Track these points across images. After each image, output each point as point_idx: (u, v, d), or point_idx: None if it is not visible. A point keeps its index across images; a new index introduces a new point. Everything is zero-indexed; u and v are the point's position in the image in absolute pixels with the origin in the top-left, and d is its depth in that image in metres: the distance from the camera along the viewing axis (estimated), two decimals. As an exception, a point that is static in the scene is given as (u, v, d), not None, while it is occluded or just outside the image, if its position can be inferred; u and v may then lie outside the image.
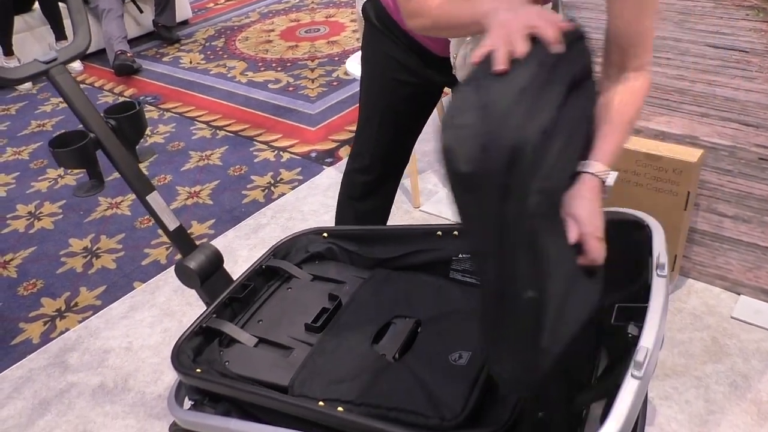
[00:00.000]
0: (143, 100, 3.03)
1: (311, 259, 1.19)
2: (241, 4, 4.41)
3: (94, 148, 1.02)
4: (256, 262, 1.16)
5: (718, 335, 1.42)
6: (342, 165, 2.25)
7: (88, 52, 3.58)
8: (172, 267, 1.66)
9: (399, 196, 1.92)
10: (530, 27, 0.66)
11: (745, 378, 1.32)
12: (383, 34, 1.08)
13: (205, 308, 1.08)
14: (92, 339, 1.63)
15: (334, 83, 3.01)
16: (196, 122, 2.78)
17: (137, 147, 1.14)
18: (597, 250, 0.74)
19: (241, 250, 1.90)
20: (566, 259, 0.71)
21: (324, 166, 2.32)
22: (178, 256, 1.14)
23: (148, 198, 1.07)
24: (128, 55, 3.36)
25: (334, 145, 2.47)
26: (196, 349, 1.02)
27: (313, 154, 2.42)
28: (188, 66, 3.43)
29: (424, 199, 2.05)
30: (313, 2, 4.27)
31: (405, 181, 2.06)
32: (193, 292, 1.16)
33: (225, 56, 3.51)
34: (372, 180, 1.35)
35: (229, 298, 1.08)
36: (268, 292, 1.13)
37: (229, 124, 2.72)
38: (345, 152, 2.40)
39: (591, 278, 0.75)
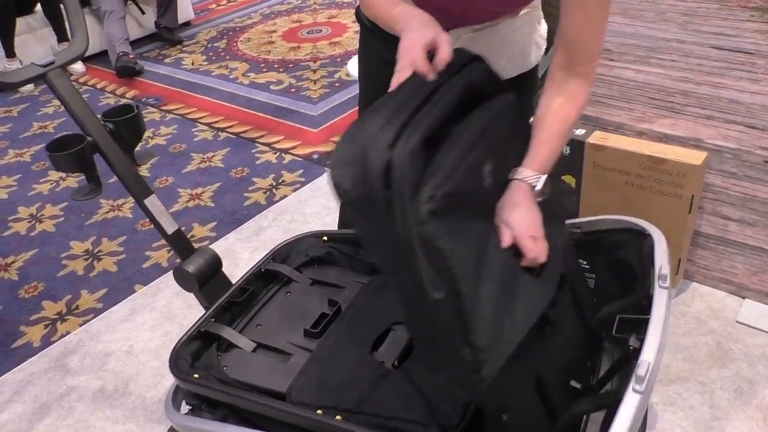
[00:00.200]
0: (145, 102, 3.04)
1: (311, 263, 1.18)
2: (243, 5, 4.41)
3: (91, 152, 1.01)
4: (255, 265, 1.15)
5: (722, 340, 1.41)
6: (343, 167, 2.24)
7: (91, 53, 3.61)
8: (173, 270, 1.66)
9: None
10: (428, 47, 0.76)
11: (750, 384, 1.30)
12: (375, 36, 1.10)
13: (204, 312, 1.07)
14: (93, 342, 1.63)
15: (337, 84, 3.00)
16: (197, 124, 2.78)
17: (136, 150, 1.14)
18: (532, 250, 0.78)
19: (242, 253, 1.89)
20: (498, 261, 0.75)
21: (326, 168, 2.31)
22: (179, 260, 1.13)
23: (146, 201, 1.07)
24: (130, 56, 3.37)
25: (335, 146, 2.46)
26: (194, 354, 1.01)
27: (315, 156, 2.41)
28: (190, 67, 3.43)
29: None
30: (315, 3, 4.27)
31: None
32: (193, 295, 1.15)
33: (227, 57, 3.50)
34: None
35: (228, 302, 1.08)
36: (267, 296, 1.13)
37: (231, 126, 2.72)
38: (347, 154, 2.38)
39: (539, 277, 0.79)
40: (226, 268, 1.19)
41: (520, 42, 1.03)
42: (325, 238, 1.19)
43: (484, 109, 0.80)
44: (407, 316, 0.75)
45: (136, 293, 1.78)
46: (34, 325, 1.71)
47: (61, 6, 3.35)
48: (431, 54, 0.77)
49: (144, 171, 2.41)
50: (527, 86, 1.10)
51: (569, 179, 1.48)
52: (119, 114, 1.09)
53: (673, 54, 1.39)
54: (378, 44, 1.10)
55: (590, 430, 0.82)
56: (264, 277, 1.15)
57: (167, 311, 1.70)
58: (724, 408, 1.26)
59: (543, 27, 1.08)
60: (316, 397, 0.88)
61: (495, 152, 0.80)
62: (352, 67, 2.01)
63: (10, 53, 3.27)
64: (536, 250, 0.78)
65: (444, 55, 0.76)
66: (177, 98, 3.06)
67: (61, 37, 3.43)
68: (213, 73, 3.30)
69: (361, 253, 1.15)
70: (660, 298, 0.78)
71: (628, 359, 0.79)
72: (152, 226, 1.11)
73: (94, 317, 1.71)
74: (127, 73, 3.34)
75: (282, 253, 1.18)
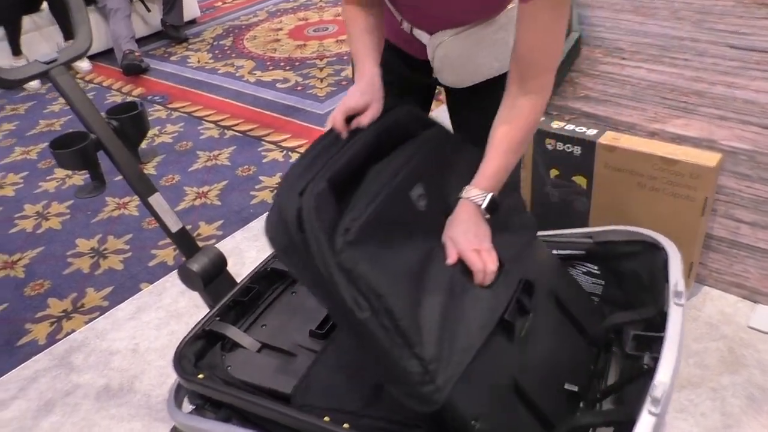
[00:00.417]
0: (151, 100, 3.03)
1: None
2: (249, 3, 4.40)
3: (95, 149, 1.01)
4: (260, 264, 1.14)
5: (734, 345, 1.38)
6: (350, 166, 2.23)
7: (97, 51, 3.61)
8: (178, 268, 1.65)
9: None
10: (352, 113, 0.87)
11: (762, 390, 1.28)
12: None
13: (208, 311, 1.06)
14: (98, 340, 1.62)
15: (343, 83, 2.98)
16: (204, 122, 2.77)
17: (140, 148, 1.13)
18: (476, 262, 0.82)
19: (249, 252, 1.88)
20: (443, 276, 0.81)
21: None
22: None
23: (150, 199, 1.06)
24: (136, 54, 3.37)
25: (342, 145, 2.44)
26: (198, 353, 1.00)
27: (321, 155, 2.39)
28: (196, 65, 3.43)
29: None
30: (321, 1, 4.26)
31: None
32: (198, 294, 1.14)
33: (233, 55, 3.50)
34: None
35: (233, 301, 1.07)
36: (273, 295, 1.11)
37: (237, 124, 2.71)
38: (353, 153, 2.37)
39: (490, 288, 0.83)
40: (233, 267, 1.18)
41: (506, 39, 1.01)
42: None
43: (409, 143, 0.89)
44: (354, 342, 0.80)
45: (142, 291, 1.78)
46: (39, 323, 1.70)
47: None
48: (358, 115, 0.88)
49: (150, 169, 2.41)
50: None
51: (580, 180, 1.46)
52: (123, 111, 1.08)
53: (686, 53, 1.37)
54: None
55: None
56: (270, 276, 1.14)
57: (173, 310, 1.69)
58: (735, 415, 1.23)
59: None
60: (321, 399, 0.87)
61: (423, 177, 0.86)
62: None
63: (17, 51, 3.27)
64: (480, 262, 0.82)
65: (363, 121, 0.87)
66: (183, 96, 3.05)
67: (68, 35, 3.43)
68: (219, 71, 3.30)
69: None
70: (675, 315, 0.79)
71: (639, 375, 0.78)
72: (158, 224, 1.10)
73: (100, 315, 1.71)
74: (133, 70, 3.34)
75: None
